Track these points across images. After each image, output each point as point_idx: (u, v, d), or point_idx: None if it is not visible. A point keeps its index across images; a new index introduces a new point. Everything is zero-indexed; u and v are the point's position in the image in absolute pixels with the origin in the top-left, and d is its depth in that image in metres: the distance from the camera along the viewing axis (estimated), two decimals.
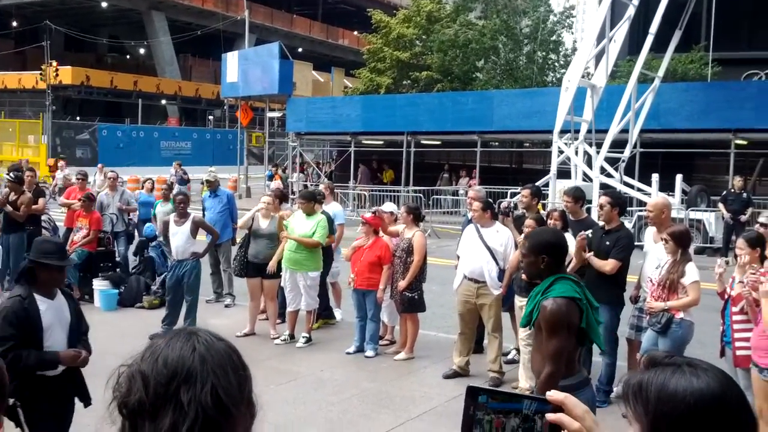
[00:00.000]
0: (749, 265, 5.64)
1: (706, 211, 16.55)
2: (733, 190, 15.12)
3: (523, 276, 6.79)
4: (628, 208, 18.19)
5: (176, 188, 16.86)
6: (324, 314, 9.58)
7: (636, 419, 1.43)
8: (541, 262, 3.95)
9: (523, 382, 6.92)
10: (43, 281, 4.21)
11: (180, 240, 8.64)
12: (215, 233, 9.45)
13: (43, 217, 11.68)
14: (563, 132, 18.29)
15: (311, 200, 8.84)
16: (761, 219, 6.42)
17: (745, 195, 14.97)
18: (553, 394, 1.38)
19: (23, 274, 4.24)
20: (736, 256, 5.87)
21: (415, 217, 8.31)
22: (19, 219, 10.30)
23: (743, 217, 14.52)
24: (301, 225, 8.59)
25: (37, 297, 4.16)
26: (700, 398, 1.37)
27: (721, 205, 15.11)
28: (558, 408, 1.35)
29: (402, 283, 7.95)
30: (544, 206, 14.48)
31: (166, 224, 9.05)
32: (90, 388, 6.93)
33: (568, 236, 7.28)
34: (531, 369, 4.56)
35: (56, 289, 4.33)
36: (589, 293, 4.02)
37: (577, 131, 18.51)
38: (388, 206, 9.06)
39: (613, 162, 18.79)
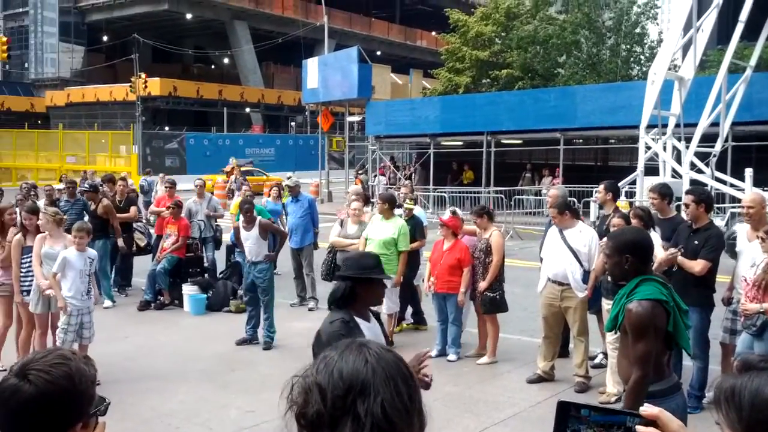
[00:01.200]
0: None
1: None
2: None
3: (609, 278, 6.61)
4: (722, 205, 17.50)
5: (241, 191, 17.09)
6: (415, 319, 9.59)
7: (729, 426, 1.38)
8: (625, 262, 3.84)
9: (611, 387, 6.72)
10: (364, 299, 3.81)
11: (251, 244, 8.87)
12: (282, 233, 9.86)
13: (137, 225, 12.17)
14: (650, 127, 17.72)
15: (391, 202, 8.88)
16: None
17: None
18: (647, 409, 1.39)
19: (342, 296, 3.78)
20: None
21: (488, 217, 8.22)
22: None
23: None
24: (380, 230, 8.62)
25: (357, 319, 3.75)
26: None
27: None
28: (653, 422, 1.36)
29: (483, 284, 7.88)
30: (631, 204, 14.08)
31: (237, 230, 9.29)
32: (180, 390, 7.19)
33: (654, 235, 7.06)
34: (618, 374, 4.43)
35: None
36: (677, 295, 3.87)
37: (665, 126, 17.89)
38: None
39: (703, 157, 18.06)
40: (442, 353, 8.21)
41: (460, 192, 23.48)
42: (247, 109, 55.63)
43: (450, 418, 6.33)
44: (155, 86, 48.15)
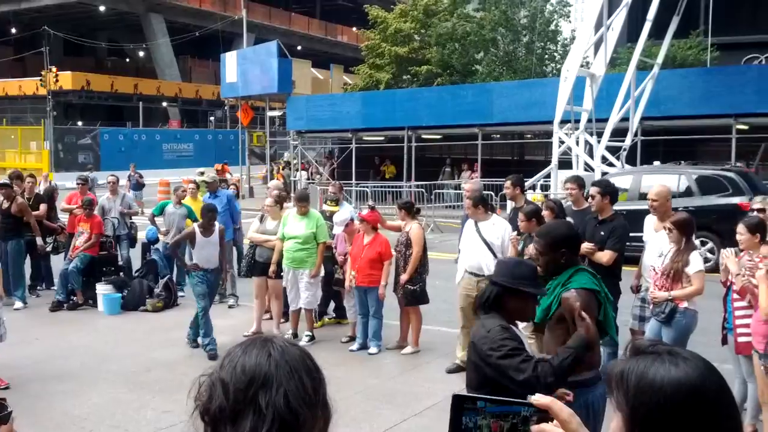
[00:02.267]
0: (748, 251, 5.62)
1: None
2: None
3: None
4: None
5: (131, 194, 16.65)
6: (337, 314, 9.60)
7: (618, 408, 1.43)
8: (561, 257, 3.94)
9: None
10: (510, 311, 3.50)
11: (211, 251, 8.48)
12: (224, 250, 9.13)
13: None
14: (564, 122, 18.25)
15: (306, 201, 8.87)
16: (755, 205, 6.37)
17: None
18: (539, 398, 1.41)
19: (493, 301, 3.50)
20: (737, 243, 5.84)
21: (408, 211, 8.31)
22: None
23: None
24: (297, 227, 8.59)
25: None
26: (678, 388, 1.36)
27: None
28: (545, 411, 1.39)
29: (404, 276, 7.96)
30: (546, 197, 14.45)
31: (191, 235, 8.54)
32: (94, 392, 6.98)
33: None
34: None
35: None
36: (604, 286, 4.02)
37: (578, 121, 18.46)
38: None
39: (614, 151, 18.73)
40: (364, 346, 8.25)
41: (382, 186, 23.62)
42: (164, 104, 54.32)
43: (370, 411, 6.37)
44: (67, 80, 46.41)
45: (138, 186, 24.60)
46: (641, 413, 1.38)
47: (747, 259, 5.55)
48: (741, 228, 5.76)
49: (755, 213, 6.10)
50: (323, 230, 8.75)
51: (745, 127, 20.18)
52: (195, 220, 11.46)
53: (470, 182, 10.62)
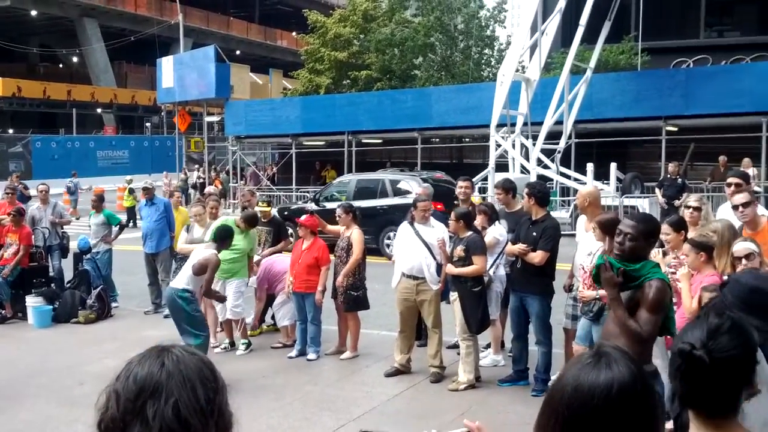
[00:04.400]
0: (672, 249, 5.79)
1: (640, 197, 16.97)
2: (669, 176, 15.51)
3: (449, 269, 6.86)
4: (566, 198, 18.57)
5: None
6: (275, 321, 9.49)
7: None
8: (650, 246, 4.14)
9: (462, 376, 6.97)
10: None
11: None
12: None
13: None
14: (500, 126, 18.53)
15: (255, 224, 8.85)
16: (690, 202, 6.56)
17: (679, 180, 15.36)
18: (469, 423, 1.55)
19: None
20: (662, 243, 6.01)
21: (354, 215, 8.32)
22: None
23: (677, 202, 14.89)
24: (236, 239, 8.49)
25: None
26: (592, 389, 1.44)
27: (657, 191, 15.49)
28: None
29: (339, 278, 7.94)
30: (483, 200, 14.65)
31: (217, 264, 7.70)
32: (23, 408, 6.76)
33: (500, 227, 7.40)
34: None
35: None
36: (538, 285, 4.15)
37: (514, 125, 18.78)
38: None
39: (549, 153, 19.12)
40: (302, 353, 8.21)
41: None
42: (99, 110, 53.05)
43: (308, 417, 6.34)
44: None
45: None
46: (565, 414, 1.46)
47: (671, 257, 5.72)
48: (666, 228, 5.93)
49: (691, 210, 6.27)
50: (253, 237, 8.93)
51: (674, 129, 20.83)
52: (116, 225, 11.25)
53: (422, 187, 10.77)
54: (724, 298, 2.87)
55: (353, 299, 8.04)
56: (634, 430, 1.44)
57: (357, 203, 13.08)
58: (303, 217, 8.35)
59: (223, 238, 7.51)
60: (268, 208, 9.66)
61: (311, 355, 8.13)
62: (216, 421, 1.37)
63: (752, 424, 2.90)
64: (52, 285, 10.71)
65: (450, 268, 6.94)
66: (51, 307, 10.13)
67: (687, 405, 1.94)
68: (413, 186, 14.53)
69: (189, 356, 1.41)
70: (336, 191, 16.45)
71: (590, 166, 17.95)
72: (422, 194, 8.23)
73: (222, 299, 8.15)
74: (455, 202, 8.63)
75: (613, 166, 18.29)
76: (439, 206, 13.73)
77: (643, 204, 15.98)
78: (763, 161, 19.08)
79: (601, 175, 18.52)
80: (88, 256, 10.93)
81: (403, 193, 14.82)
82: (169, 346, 1.44)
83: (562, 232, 7.05)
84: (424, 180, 15.04)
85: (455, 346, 7.75)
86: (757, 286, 2.80)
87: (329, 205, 14.55)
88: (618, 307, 4.00)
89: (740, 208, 5.77)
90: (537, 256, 6.59)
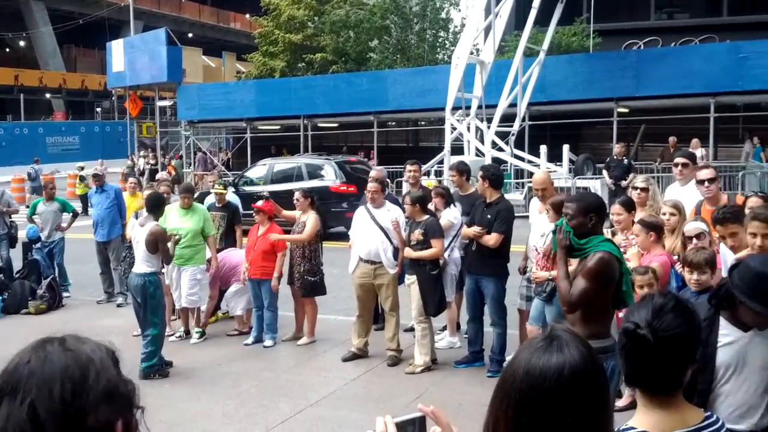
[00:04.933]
0: (622, 230, 5.89)
1: (592, 178, 17.22)
2: (615, 157, 15.75)
3: (407, 252, 6.88)
4: (520, 180, 18.75)
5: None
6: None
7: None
8: (590, 221, 4.17)
9: (419, 359, 7.02)
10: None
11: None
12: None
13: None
14: (455, 109, 18.59)
15: (191, 193, 8.70)
16: (637, 183, 6.66)
17: (626, 161, 15.61)
18: (423, 407, 1.55)
19: (723, 296, 2.97)
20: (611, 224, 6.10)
21: (312, 201, 8.27)
22: None
23: (624, 183, 15.14)
24: (182, 222, 8.38)
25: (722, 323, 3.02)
26: (544, 372, 1.47)
27: (604, 172, 15.73)
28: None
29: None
30: (439, 182, 14.72)
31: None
32: None
33: (455, 210, 7.44)
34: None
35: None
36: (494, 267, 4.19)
37: (469, 107, 18.85)
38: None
39: (503, 136, 19.25)
40: (259, 340, 8.17)
41: None
42: (48, 95, 51.73)
43: (265, 404, 6.32)
44: None
45: None
46: (518, 397, 1.49)
47: (622, 238, 5.81)
48: (617, 208, 6.02)
49: (638, 191, 6.36)
50: (210, 224, 8.63)
51: (626, 110, 21.17)
52: (70, 213, 11.04)
53: (375, 170, 10.72)
54: (730, 279, 2.89)
55: (310, 284, 8.01)
56: (585, 411, 1.46)
57: (273, 187, 14.40)
58: (260, 203, 8.26)
59: (154, 206, 7.40)
60: (224, 191, 9.52)
61: (268, 342, 8.09)
62: (85, 425, 1.28)
63: (728, 405, 2.97)
64: (0, 275, 10.45)
65: (408, 252, 6.96)
66: (0, 298, 9.89)
67: (632, 383, 1.98)
68: (328, 171, 15.39)
69: (62, 353, 1.32)
70: (254, 176, 16.72)
71: (543, 148, 18.15)
72: (373, 177, 8.19)
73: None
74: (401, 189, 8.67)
75: (565, 147, 18.51)
76: (351, 188, 14.48)
77: (596, 185, 16.22)
78: (711, 142, 19.52)
79: (555, 156, 18.75)
80: (38, 245, 10.69)
81: (319, 177, 15.50)
82: (54, 338, 1.36)
83: (516, 215, 7.12)
84: (338, 164, 15.68)
85: (412, 330, 7.80)
86: (763, 272, 2.80)
87: (249, 189, 15.08)
88: (562, 266, 4.22)
89: (705, 183, 5.86)
90: (491, 239, 6.65)
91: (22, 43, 53.19)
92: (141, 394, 1.40)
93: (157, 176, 11.97)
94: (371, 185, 7.49)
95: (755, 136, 20.74)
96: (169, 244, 7.53)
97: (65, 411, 1.26)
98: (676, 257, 5.25)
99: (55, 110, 52.54)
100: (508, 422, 1.48)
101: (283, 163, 17.07)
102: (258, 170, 16.93)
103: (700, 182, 5.93)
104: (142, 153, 30.67)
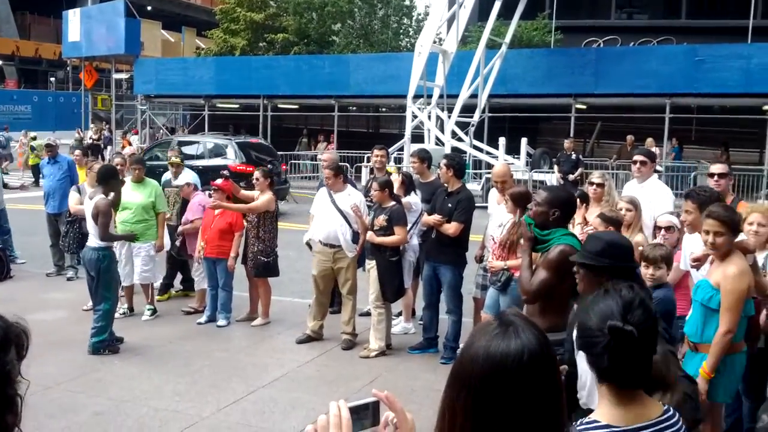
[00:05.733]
0: (580, 223, 6.00)
1: (548, 172, 17.46)
2: (565, 152, 16.01)
3: (371, 237, 6.90)
4: (478, 171, 18.90)
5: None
6: (184, 286, 9.31)
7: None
8: (552, 214, 4.21)
9: (374, 343, 7.05)
10: None
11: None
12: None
13: None
14: (417, 97, 18.62)
15: (143, 164, 8.58)
16: (594, 179, 6.77)
17: (574, 156, 15.87)
18: (377, 392, 1.55)
19: None
20: None
21: (272, 181, 8.22)
22: None
23: (571, 177, 15.38)
24: (134, 195, 8.26)
25: None
26: (504, 358, 1.47)
27: (555, 167, 15.99)
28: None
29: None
30: (398, 170, 14.72)
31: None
32: None
33: (415, 198, 7.47)
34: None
35: None
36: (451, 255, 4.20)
37: (430, 96, 18.90)
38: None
39: (463, 126, 19.37)
40: (212, 319, 8.10)
41: None
42: (0, 62, 50.21)
43: (217, 384, 6.28)
44: None
45: None
46: (474, 381, 1.48)
47: (578, 232, 5.91)
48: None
49: (594, 186, 6.46)
50: (162, 200, 8.55)
51: (584, 107, 21.47)
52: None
53: (327, 152, 10.66)
54: (582, 252, 3.45)
55: (263, 265, 7.96)
56: (544, 395, 1.48)
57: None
58: (219, 181, 8.16)
59: (105, 178, 7.22)
60: (177, 160, 9.37)
61: (221, 322, 8.03)
62: None
63: (584, 381, 3.00)
64: None
65: (371, 237, 6.96)
66: None
67: (607, 379, 1.97)
68: (229, 151, 16.25)
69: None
70: (158, 151, 17.01)
71: (502, 141, 18.31)
72: (328, 159, 8.15)
73: (130, 238, 7.83)
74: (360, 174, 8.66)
75: (523, 141, 18.71)
76: (251, 168, 14.83)
77: (551, 179, 16.44)
78: (665, 141, 19.93)
79: (513, 149, 18.95)
80: None
81: (222, 155, 16.29)
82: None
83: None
84: (240, 144, 16.49)
85: (367, 314, 7.83)
86: (612, 240, 3.49)
87: (155, 164, 14.59)
88: (525, 256, 4.30)
89: (715, 178, 5.89)
90: (451, 227, 6.70)
91: None
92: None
93: (124, 151, 11.57)
94: (325, 173, 7.47)
95: (674, 137, 21.12)
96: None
97: None
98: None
99: (7, 78, 50.97)
100: (467, 410, 1.47)
101: (187, 140, 17.95)
102: (164, 146, 17.26)
103: (711, 176, 5.97)
104: (90, 126, 29.96)
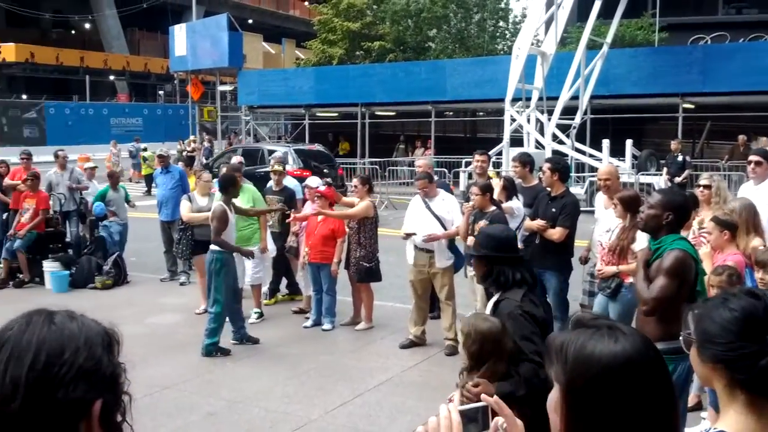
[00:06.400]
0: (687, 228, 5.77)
1: (656, 175, 16.87)
2: (672, 154, 15.45)
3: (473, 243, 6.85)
4: (581, 174, 18.49)
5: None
6: (290, 290, 9.54)
7: (555, 377, 1.48)
8: (665, 218, 4.11)
9: None
10: None
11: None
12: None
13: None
14: (515, 100, 18.41)
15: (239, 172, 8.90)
16: (701, 181, 6.52)
17: (680, 158, 15.26)
18: (487, 397, 1.56)
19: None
20: None
21: (370, 187, 8.32)
22: None
23: (678, 179, 14.79)
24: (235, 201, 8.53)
25: None
26: (613, 361, 1.41)
27: (664, 170, 15.46)
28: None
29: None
30: (497, 174, 14.59)
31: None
32: None
33: (517, 203, 7.39)
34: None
35: None
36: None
37: (529, 99, 18.64)
38: (314, 181, 9.01)
39: (564, 129, 19.00)
40: (317, 323, 8.27)
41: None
42: (112, 77, 53.00)
43: (324, 387, 6.41)
44: (10, 52, 44.91)
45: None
46: (578, 384, 1.43)
47: (690, 237, 5.70)
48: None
49: (701, 188, 6.23)
50: (261, 203, 8.72)
51: (691, 106, 20.65)
52: (128, 202, 11.35)
53: (422, 158, 10.69)
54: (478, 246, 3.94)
55: (365, 270, 8.05)
56: (655, 399, 1.43)
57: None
58: (321, 188, 8.35)
59: (225, 186, 7.52)
60: (280, 168, 9.53)
61: (326, 326, 8.18)
62: (54, 398, 1.25)
63: None
64: (69, 251, 10.80)
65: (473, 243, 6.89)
66: (68, 272, 10.21)
67: (752, 390, 1.82)
68: (287, 158, 16.73)
69: (45, 325, 1.30)
70: (226, 160, 17.52)
71: (606, 143, 17.84)
72: (423, 165, 8.16)
73: (244, 253, 7.90)
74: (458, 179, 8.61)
75: (628, 142, 18.18)
76: (307, 173, 15.04)
77: (659, 181, 15.88)
78: None
79: (617, 151, 18.41)
80: (105, 222, 11.01)
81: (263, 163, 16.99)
82: (43, 311, 1.35)
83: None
84: (297, 151, 17.91)
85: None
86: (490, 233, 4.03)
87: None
88: (641, 269, 4.15)
89: None
90: (556, 233, 6.59)
91: (87, 26, 54.52)
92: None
93: (232, 160, 11.89)
94: (418, 183, 7.51)
95: None
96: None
97: (31, 380, 1.24)
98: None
99: (118, 92, 53.79)
100: (576, 415, 1.43)
101: (249, 147, 20.13)
102: (230, 152, 18.83)
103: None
104: (191, 138, 31.14)
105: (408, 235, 7.39)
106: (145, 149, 24.71)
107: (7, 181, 11.53)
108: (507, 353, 3.36)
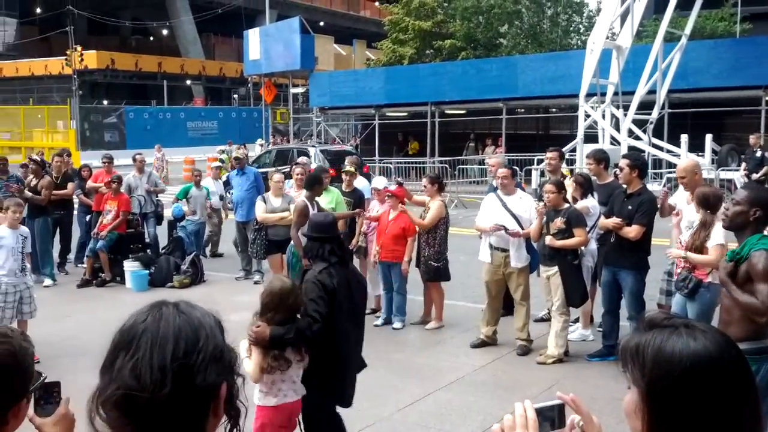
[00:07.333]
0: None
1: (737, 170, 16.25)
2: (751, 149, 14.86)
3: (551, 241, 6.73)
4: (659, 171, 17.97)
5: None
6: None
7: (633, 381, 1.42)
8: (752, 214, 3.99)
9: (553, 350, 6.88)
10: None
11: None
12: None
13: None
14: (589, 95, 18.05)
15: (326, 173, 8.98)
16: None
17: (759, 153, 14.64)
18: (562, 395, 1.54)
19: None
20: None
21: (440, 186, 8.29)
22: (41, 203, 10.53)
23: (755, 175, 14.19)
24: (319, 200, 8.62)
25: None
26: (696, 360, 1.35)
27: (742, 164, 14.90)
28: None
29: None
30: (571, 171, 14.33)
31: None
32: None
33: (592, 200, 7.23)
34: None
35: None
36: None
37: (604, 94, 18.24)
38: (380, 181, 9.00)
39: (641, 124, 18.50)
40: (388, 321, 8.28)
41: (405, 163, 23.53)
42: (188, 82, 54.50)
43: (395, 385, 6.41)
44: (92, 59, 46.68)
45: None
46: (659, 386, 1.37)
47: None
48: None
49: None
50: (342, 206, 8.77)
51: None
52: (211, 199, 11.84)
53: (494, 157, 10.56)
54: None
55: (434, 270, 8.03)
56: (738, 399, 1.37)
57: (273, 168, 16.71)
58: (393, 188, 8.38)
59: (311, 184, 7.71)
60: (352, 169, 9.50)
61: (397, 324, 8.19)
62: (193, 383, 1.31)
63: None
64: (148, 251, 11.14)
65: (551, 241, 6.77)
66: (147, 271, 10.54)
67: None
68: (313, 155, 17.43)
69: (177, 315, 1.37)
70: (266, 159, 19.59)
71: (684, 138, 17.29)
72: (496, 164, 8.05)
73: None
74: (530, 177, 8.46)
75: (708, 137, 17.58)
76: (332, 171, 15.14)
77: (740, 177, 15.29)
78: None
79: (696, 147, 17.82)
80: (182, 223, 11.32)
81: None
82: (168, 302, 1.42)
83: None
84: (323, 151, 18.80)
85: (542, 320, 7.67)
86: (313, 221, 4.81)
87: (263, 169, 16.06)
88: (729, 287, 3.95)
89: None
90: (633, 231, 6.41)
91: (164, 32, 56.25)
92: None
93: (298, 160, 12.13)
94: (501, 171, 7.38)
95: None
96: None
97: (176, 368, 1.31)
98: None
99: (195, 96, 55.27)
100: (658, 417, 1.38)
101: (281, 148, 21.56)
102: (267, 153, 20.73)
103: None
104: (258, 141, 31.69)
105: (495, 228, 7.17)
106: (222, 152, 25.28)
107: (90, 183, 11.97)
108: (290, 307, 4.11)
